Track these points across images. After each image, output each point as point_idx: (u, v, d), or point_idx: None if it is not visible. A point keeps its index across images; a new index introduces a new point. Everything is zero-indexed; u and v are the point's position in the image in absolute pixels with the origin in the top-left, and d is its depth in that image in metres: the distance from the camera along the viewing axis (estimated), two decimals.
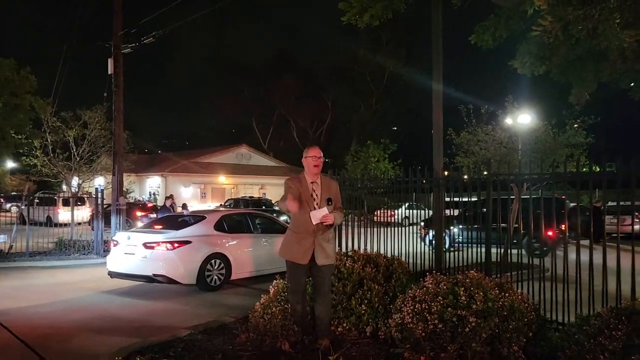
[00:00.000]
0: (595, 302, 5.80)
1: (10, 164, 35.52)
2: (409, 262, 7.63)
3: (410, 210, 18.07)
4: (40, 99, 17.13)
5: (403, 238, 8.54)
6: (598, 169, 6.96)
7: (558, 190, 9.94)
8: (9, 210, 29.74)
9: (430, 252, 8.25)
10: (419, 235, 9.41)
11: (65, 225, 16.85)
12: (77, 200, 17.99)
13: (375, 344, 5.74)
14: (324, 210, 5.60)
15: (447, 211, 10.33)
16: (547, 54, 6.94)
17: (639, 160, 5.71)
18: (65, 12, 65.28)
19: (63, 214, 22.34)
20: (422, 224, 11.74)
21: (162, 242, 9.91)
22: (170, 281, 9.83)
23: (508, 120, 15.10)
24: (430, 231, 13.23)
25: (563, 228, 8.49)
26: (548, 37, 5.24)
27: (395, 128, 59.21)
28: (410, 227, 9.65)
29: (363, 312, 6.02)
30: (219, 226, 10.84)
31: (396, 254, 7.70)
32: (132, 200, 32.46)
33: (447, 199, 8.55)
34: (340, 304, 6.18)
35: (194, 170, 44.55)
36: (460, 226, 9.78)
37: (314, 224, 5.61)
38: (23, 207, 18.01)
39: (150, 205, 28.86)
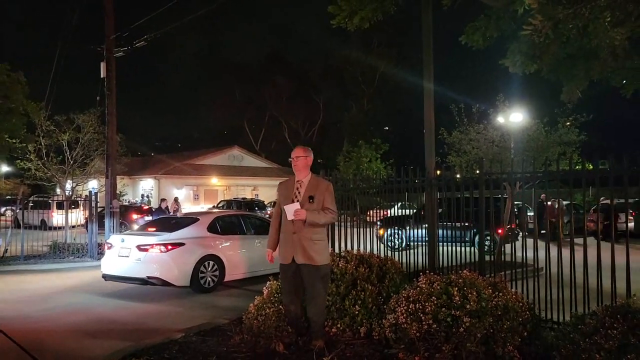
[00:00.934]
0: (590, 300, 5.82)
1: (4, 168, 35.46)
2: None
3: (403, 210, 18.02)
4: (33, 102, 17.11)
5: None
6: (591, 167, 6.97)
7: (551, 189, 9.97)
8: (3, 214, 29.54)
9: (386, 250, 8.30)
10: (376, 235, 9.47)
11: (60, 228, 16.78)
12: (71, 203, 17.96)
13: (369, 345, 5.73)
14: (296, 205, 5.64)
15: (402, 211, 10.46)
16: (537, 53, 6.98)
17: (631, 158, 5.73)
18: (57, 16, 64.70)
19: (57, 218, 22.24)
20: (379, 224, 11.71)
21: (156, 244, 9.90)
22: (164, 283, 9.81)
23: (500, 119, 15.14)
24: (388, 230, 13.29)
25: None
26: (539, 36, 5.25)
27: (387, 128, 59.37)
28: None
29: (357, 312, 6.00)
30: (212, 228, 10.83)
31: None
32: (127, 203, 32.33)
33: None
34: (334, 305, 6.16)
35: (187, 172, 44.48)
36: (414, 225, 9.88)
37: (288, 219, 5.67)
38: (17, 210, 17.94)
39: (145, 207, 28.77)
